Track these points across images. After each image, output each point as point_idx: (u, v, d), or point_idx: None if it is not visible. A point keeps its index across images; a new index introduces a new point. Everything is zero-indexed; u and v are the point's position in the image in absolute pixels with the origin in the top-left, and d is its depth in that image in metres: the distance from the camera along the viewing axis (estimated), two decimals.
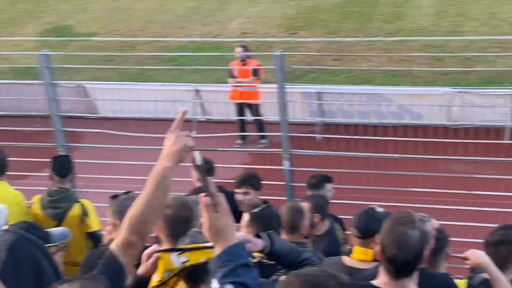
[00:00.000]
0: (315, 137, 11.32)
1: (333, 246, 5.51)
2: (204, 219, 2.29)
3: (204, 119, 12.37)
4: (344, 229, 5.89)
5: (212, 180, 5.80)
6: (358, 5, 18.48)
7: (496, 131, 10.98)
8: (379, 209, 4.24)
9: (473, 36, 15.51)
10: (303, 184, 6.32)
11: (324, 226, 5.65)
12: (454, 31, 16.04)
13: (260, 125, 11.83)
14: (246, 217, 4.10)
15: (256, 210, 4.10)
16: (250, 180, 5.92)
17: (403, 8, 18.04)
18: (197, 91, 12.63)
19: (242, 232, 4.03)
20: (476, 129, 11.02)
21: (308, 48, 15.94)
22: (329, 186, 6.22)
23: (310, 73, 14.20)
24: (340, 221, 5.99)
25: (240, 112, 11.78)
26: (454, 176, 8.44)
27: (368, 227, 3.99)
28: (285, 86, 6.84)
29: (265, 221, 4.06)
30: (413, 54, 14.49)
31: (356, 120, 11.92)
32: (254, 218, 4.06)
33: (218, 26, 18.03)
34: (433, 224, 3.28)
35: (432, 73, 13.44)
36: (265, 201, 5.76)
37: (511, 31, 15.63)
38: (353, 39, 15.57)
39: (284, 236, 4.52)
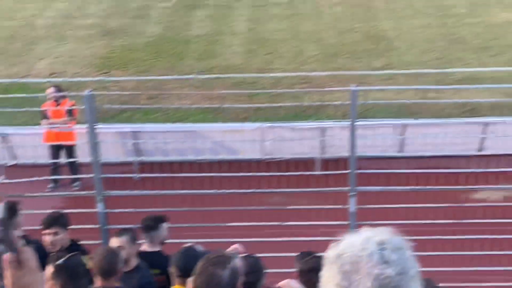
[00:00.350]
0: (132, 177, 11.15)
1: (147, 278, 5.49)
2: (7, 276, 2.09)
3: (12, 164, 11.75)
4: (153, 266, 5.80)
5: (17, 231, 5.49)
6: (170, 44, 18.65)
7: (305, 163, 11.49)
8: (198, 248, 4.25)
9: (282, 73, 16.23)
10: (119, 226, 6.16)
11: (134, 261, 5.56)
12: (265, 68, 16.69)
13: (74, 167, 11.40)
14: (49, 269, 3.84)
15: (59, 261, 3.87)
16: (58, 220, 5.74)
17: (215, 46, 18.48)
18: (4, 134, 11.96)
19: (47, 286, 3.76)
20: (287, 162, 11.47)
21: (121, 87, 15.75)
22: (165, 225, 6.20)
23: (125, 112, 14.01)
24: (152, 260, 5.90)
25: (55, 155, 11.31)
26: (269, 208, 8.68)
27: (186, 266, 3.99)
28: (95, 126, 6.69)
29: (70, 272, 3.85)
30: (226, 91, 14.82)
31: (172, 157, 11.90)
32: (59, 270, 3.82)
33: (25, 67, 17.28)
34: (240, 253, 3.32)
35: (245, 109, 13.83)
36: (73, 240, 5.57)
37: (316, 68, 16.56)
38: (165, 77, 15.63)
39: (98, 282, 4.33)
